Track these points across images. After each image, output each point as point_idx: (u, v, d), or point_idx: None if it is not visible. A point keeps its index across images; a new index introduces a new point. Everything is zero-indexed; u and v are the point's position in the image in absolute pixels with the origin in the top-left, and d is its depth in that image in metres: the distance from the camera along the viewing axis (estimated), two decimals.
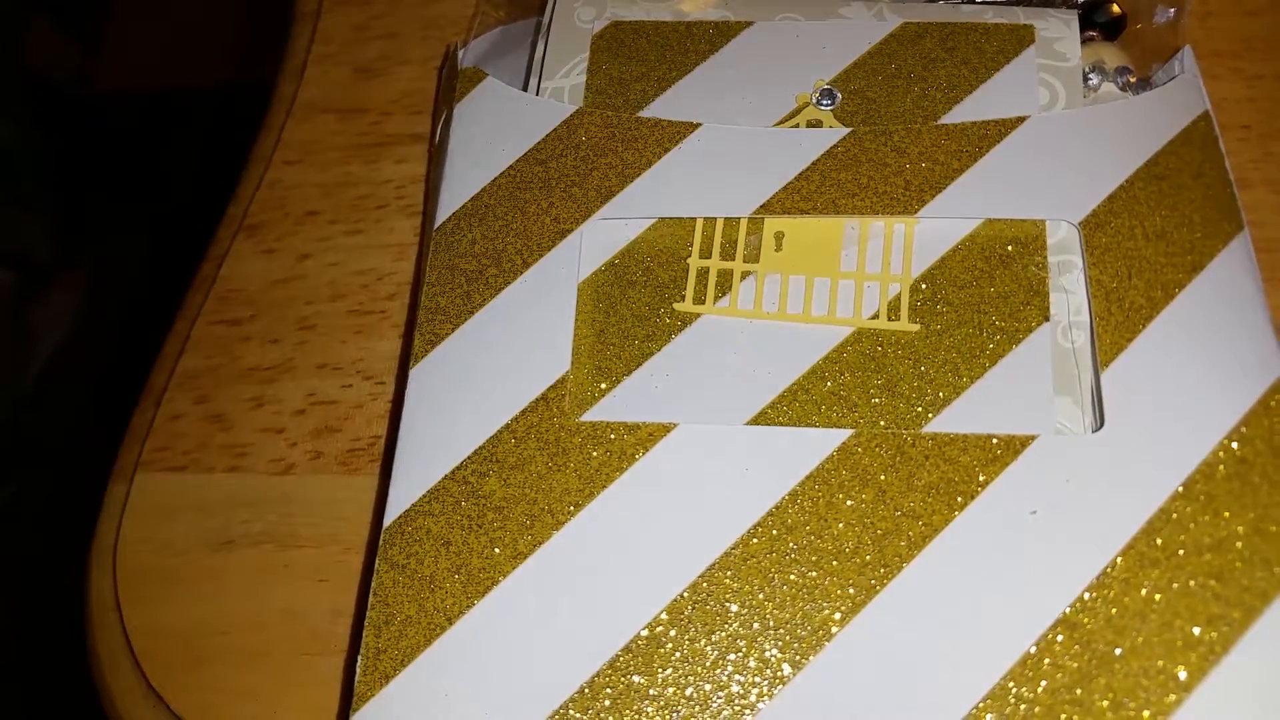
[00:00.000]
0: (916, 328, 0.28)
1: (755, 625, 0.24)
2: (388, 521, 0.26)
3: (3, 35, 1.06)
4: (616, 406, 0.27)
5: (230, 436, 0.31)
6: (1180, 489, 0.25)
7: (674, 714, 0.24)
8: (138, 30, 1.12)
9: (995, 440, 0.25)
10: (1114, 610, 0.24)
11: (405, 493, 0.26)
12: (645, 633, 0.24)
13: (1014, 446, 0.25)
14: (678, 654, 0.24)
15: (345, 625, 0.29)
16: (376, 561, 0.25)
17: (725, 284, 0.29)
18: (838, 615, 0.24)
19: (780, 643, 0.24)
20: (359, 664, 0.24)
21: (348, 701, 0.25)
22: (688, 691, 0.24)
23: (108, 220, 1.04)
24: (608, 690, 0.24)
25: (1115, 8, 0.32)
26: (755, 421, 0.27)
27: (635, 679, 0.24)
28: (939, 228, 0.29)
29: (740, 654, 0.24)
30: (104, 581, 0.30)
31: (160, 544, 0.30)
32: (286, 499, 0.30)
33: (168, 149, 1.06)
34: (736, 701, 0.24)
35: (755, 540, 0.25)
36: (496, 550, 0.25)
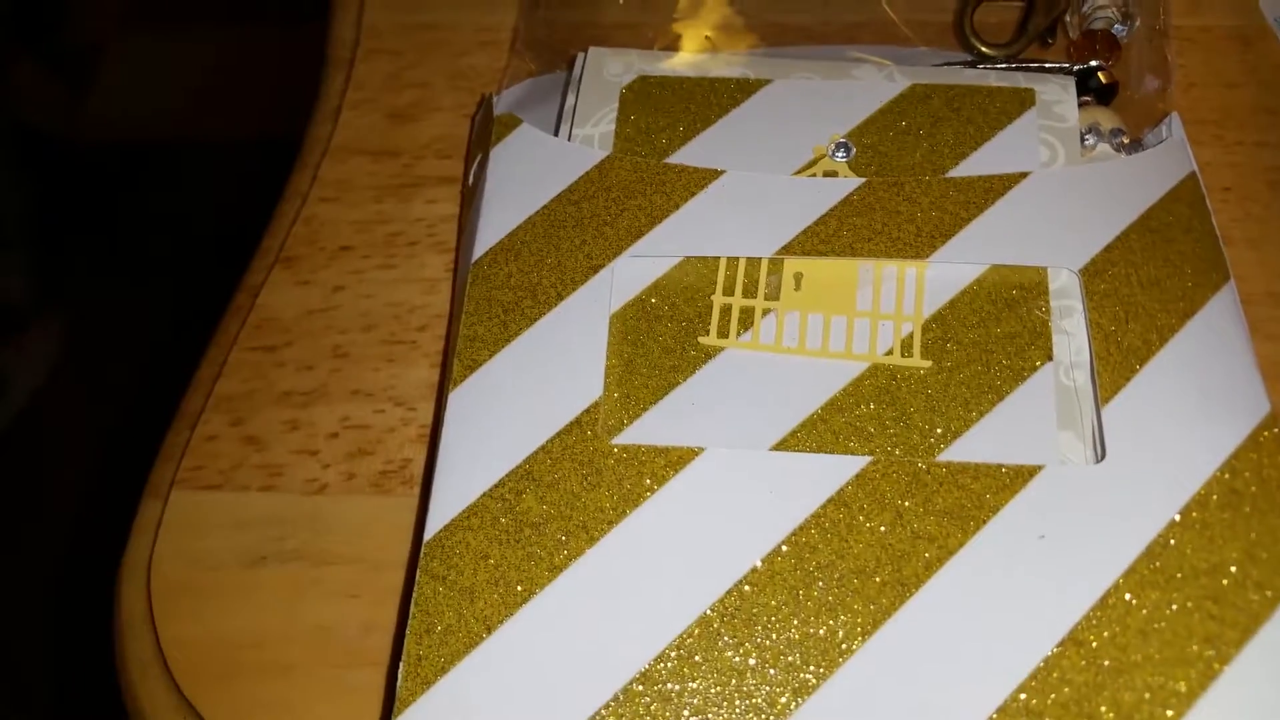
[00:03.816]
0: (928, 364, 0.29)
1: (780, 640, 0.25)
2: (428, 535, 0.27)
3: None
4: (645, 433, 0.29)
5: (265, 457, 0.32)
6: (1177, 517, 0.26)
7: None
8: (127, 79, 1.14)
9: (1004, 469, 0.27)
10: (1118, 628, 0.25)
11: (445, 508, 0.27)
12: (675, 644, 0.25)
13: (1022, 475, 0.27)
14: (707, 665, 0.25)
15: (375, 639, 0.29)
16: (418, 573, 0.26)
17: (747, 320, 0.30)
18: (859, 630, 0.25)
19: (804, 656, 0.25)
20: (401, 669, 0.25)
21: (389, 709, 0.26)
22: (718, 701, 0.25)
23: (88, 266, 1.04)
24: (642, 699, 0.25)
25: (1107, 75, 0.35)
26: (778, 448, 0.28)
27: (668, 687, 0.25)
28: (948, 272, 0.31)
29: (766, 666, 0.25)
30: (135, 595, 0.31)
31: (194, 559, 0.31)
32: (319, 518, 0.31)
33: (153, 197, 1.07)
34: (763, 711, 0.25)
35: (780, 558, 0.26)
36: (533, 564, 0.26)
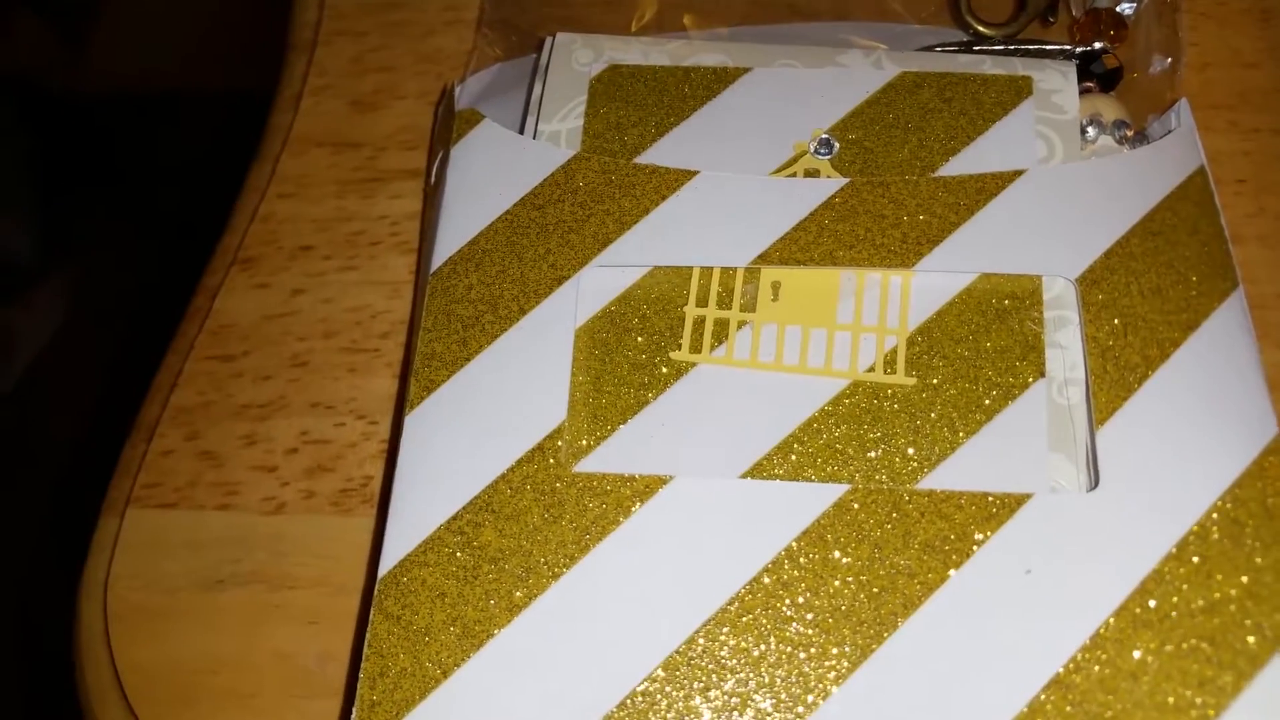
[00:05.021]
0: (913, 381, 0.28)
1: (751, 683, 0.24)
2: (382, 572, 0.26)
3: None
4: (612, 456, 0.27)
5: (222, 474, 0.31)
6: (1174, 550, 0.25)
7: None
8: (126, 31, 1.12)
9: (991, 498, 0.26)
10: (1107, 671, 0.24)
11: (400, 543, 0.26)
12: (641, 688, 0.24)
13: (1009, 505, 0.25)
14: (672, 711, 0.24)
15: (335, 669, 0.28)
16: (371, 612, 0.25)
17: (722, 333, 0.29)
18: (833, 674, 0.24)
19: (776, 701, 0.24)
20: (354, 716, 0.24)
21: None
22: None
23: (93, 223, 1.03)
24: None
25: (1111, 59, 0.32)
26: (751, 474, 0.27)
27: None
28: (935, 281, 0.29)
29: (735, 712, 0.24)
30: (94, 616, 0.30)
31: (151, 581, 0.30)
32: (278, 538, 0.30)
33: (155, 151, 1.05)
34: None
35: (751, 596, 0.25)
36: (491, 602, 0.25)
